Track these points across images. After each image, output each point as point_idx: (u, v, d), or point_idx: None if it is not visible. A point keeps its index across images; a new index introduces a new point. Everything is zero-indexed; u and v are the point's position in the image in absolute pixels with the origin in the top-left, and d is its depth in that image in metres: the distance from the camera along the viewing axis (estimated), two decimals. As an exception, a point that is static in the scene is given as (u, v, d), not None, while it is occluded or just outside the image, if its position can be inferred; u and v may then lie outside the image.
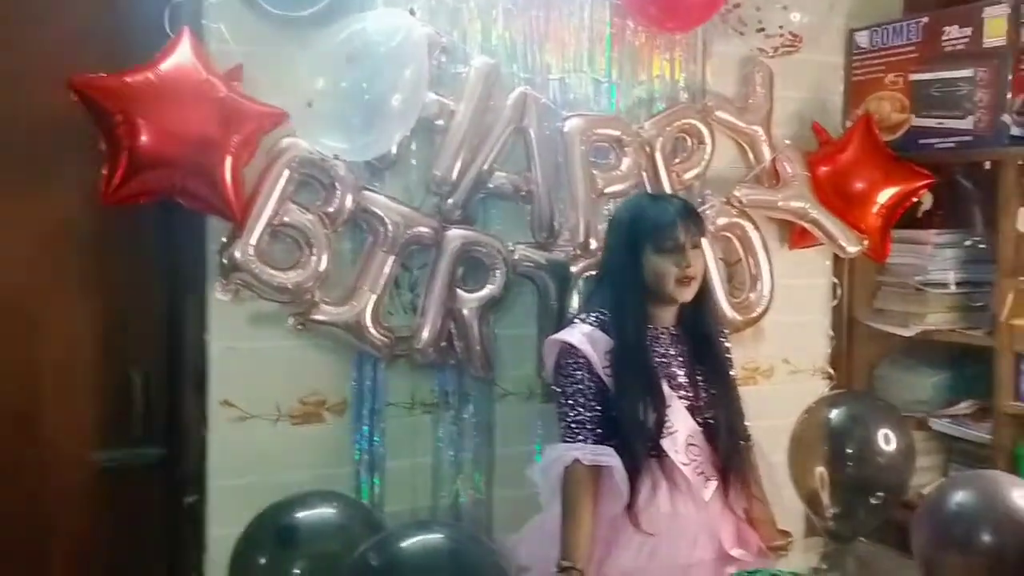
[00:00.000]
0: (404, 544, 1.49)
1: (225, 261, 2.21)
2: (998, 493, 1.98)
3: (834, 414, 2.44)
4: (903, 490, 2.38)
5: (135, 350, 2.34)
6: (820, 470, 2.40)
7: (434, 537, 1.53)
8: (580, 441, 2.18)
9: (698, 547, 2.28)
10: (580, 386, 2.21)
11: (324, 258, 2.29)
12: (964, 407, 2.94)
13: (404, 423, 2.52)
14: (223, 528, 2.17)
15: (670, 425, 2.24)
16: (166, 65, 2.03)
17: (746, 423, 2.41)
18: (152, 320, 2.35)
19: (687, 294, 2.25)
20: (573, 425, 2.20)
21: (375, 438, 2.48)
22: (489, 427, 2.63)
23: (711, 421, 2.29)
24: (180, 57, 2.04)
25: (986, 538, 1.92)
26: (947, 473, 2.97)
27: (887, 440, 2.36)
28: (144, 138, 1.98)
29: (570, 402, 2.21)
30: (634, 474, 2.18)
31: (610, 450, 2.17)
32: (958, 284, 2.93)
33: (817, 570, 2.22)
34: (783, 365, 3.06)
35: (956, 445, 2.96)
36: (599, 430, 2.19)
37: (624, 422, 2.19)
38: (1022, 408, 2.71)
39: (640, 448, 2.20)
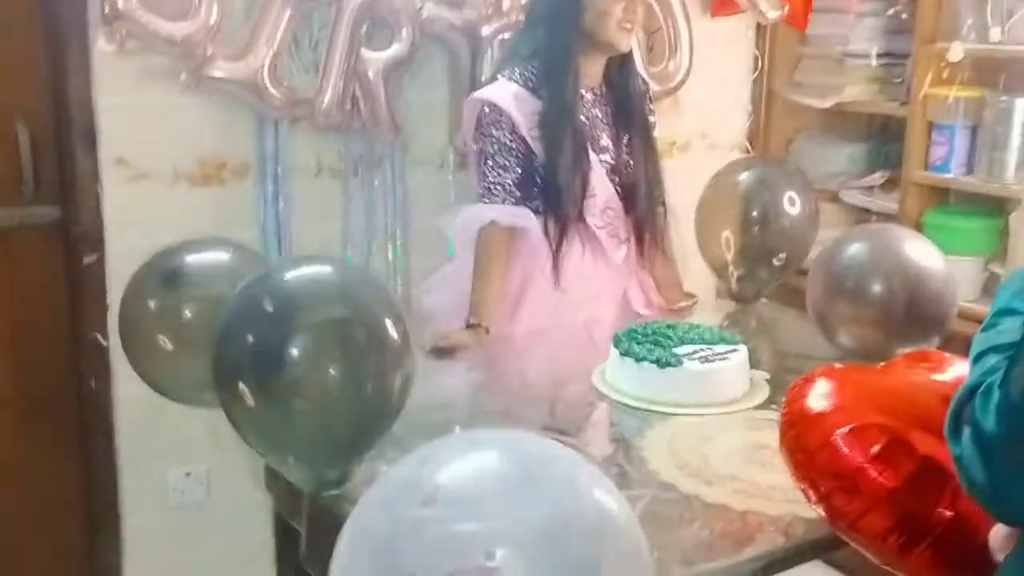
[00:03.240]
0: (289, 276, 1.46)
1: (107, 9, 2.07)
2: (889, 244, 2.01)
3: (742, 178, 2.43)
4: (805, 251, 2.41)
5: (18, 100, 2.21)
6: (726, 234, 2.42)
7: (321, 269, 1.50)
8: (498, 202, 2.16)
9: (600, 305, 2.32)
10: (502, 147, 2.17)
11: (214, 8, 2.17)
12: (875, 178, 2.97)
13: (311, 188, 2.47)
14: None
15: (591, 189, 2.23)
16: None
17: (663, 187, 2.41)
18: (35, 70, 2.21)
19: (626, 42, 2.19)
20: (492, 187, 2.17)
21: (280, 202, 2.44)
22: (402, 195, 2.59)
23: (629, 184, 2.28)
24: None
25: (876, 288, 1.95)
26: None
27: (791, 203, 2.36)
28: None
29: (490, 163, 2.18)
30: (561, 237, 2.18)
31: (527, 212, 2.17)
32: (878, 56, 2.90)
33: (720, 327, 2.27)
34: (700, 140, 3.05)
35: (865, 217, 3.01)
36: (518, 192, 2.18)
37: (553, 186, 2.17)
38: (930, 177, 2.75)
39: (570, 211, 2.19)
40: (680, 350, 1.91)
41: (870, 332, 2.00)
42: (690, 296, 2.49)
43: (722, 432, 1.75)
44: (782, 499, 1.50)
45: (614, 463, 1.63)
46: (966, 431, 0.95)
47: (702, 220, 2.48)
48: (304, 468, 1.45)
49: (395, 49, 2.41)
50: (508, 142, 2.16)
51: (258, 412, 1.41)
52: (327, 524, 1.47)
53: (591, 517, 0.89)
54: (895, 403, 1.34)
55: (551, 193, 2.17)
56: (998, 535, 1.13)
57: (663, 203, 2.41)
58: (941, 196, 2.78)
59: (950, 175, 2.70)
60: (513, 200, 2.18)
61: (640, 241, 2.32)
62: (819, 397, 1.35)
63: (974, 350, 1.01)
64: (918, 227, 2.78)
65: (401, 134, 2.50)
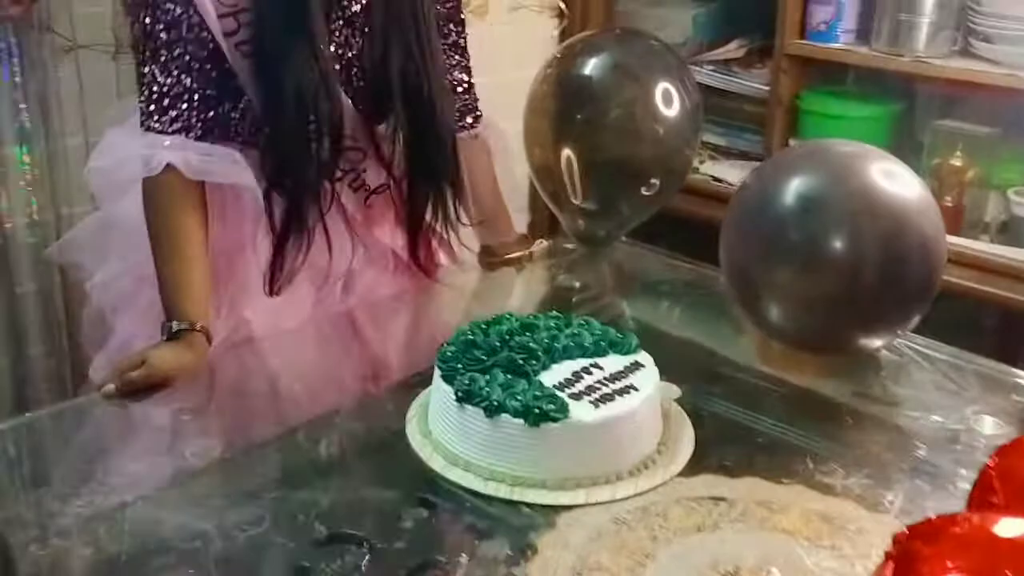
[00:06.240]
0: None
1: None
2: (849, 170, 1.30)
3: (592, 64, 1.61)
4: (684, 169, 1.67)
5: None
6: (567, 154, 1.62)
7: None
8: (177, 130, 1.24)
9: (364, 285, 1.48)
10: (180, 33, 1.24)
11: None
12: (732, 48, 2.26)
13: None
14: None
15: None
16: None
17: (474, 82, 1.56)
18: None
19: None
20: (166, 99, 1.24)
21: None
22: (45, 98, 1.63)
23: (374, 85, 1.38)
24: None
25: (837, 244, 1.24)
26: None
27: (667, 100, 1.59)
28: None
29: (161, 57, 1.24)
30: (289, 224, 1.31)
31: (232, 155, 1.26)
32: None
33: (569, 288, 1.54)
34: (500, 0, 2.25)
35: (715, 101, 2.29)
36: (211, 112, 1.26)
37: (272, 131, 1.28)
38: (808, 48, 2.07)
39: (309, 179, 1.30)
40: (550, 377, 1.14)
41: (820, 310, 1.30)
42: (526, 242, 1.69)
43: (658, 543, 1.00)
44: None
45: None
46: None
47: (532, 132, 1.66)
48: None
49: None
50: (193, 25, 1.24)
51: None
52: None
53: None
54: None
55: (270, 146, 1.29)
56: None
57: (476, 117, 1.57)
58: (826, 73, 2.12)
59: (837, 44, 2.03)
60: (204, 125, 1.27)
61: (418, 177, 1.45)
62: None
63: None
64: (790, 111, 2.13)
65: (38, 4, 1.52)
